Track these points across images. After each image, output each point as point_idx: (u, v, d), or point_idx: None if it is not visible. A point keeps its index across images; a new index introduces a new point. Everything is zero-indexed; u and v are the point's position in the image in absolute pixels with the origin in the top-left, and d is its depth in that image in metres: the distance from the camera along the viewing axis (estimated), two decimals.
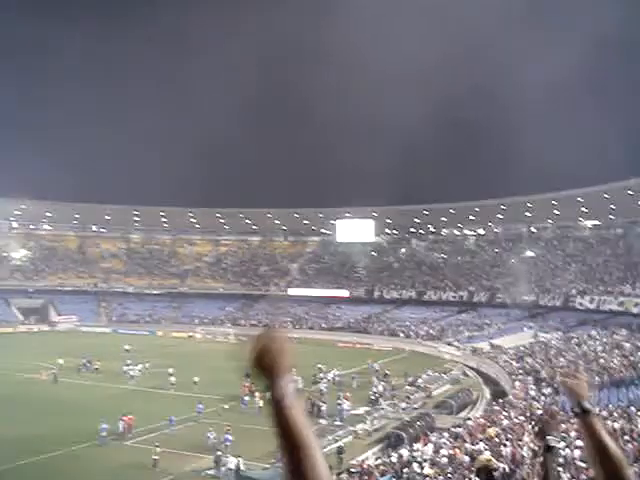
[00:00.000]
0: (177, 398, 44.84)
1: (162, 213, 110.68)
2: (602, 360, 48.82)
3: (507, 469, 23.11)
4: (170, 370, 50.08)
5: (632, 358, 48.05)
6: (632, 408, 32.38)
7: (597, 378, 42.79)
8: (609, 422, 29.25)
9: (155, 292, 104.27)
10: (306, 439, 1.83)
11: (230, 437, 32.21)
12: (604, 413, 32.10)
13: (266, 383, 1.94)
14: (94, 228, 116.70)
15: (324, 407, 40.20)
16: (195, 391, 45.55)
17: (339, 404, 40.87)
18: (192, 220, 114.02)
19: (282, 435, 1.84)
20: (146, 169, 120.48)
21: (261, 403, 36.91)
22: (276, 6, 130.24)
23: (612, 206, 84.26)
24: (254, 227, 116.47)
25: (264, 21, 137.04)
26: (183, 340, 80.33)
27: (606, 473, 2.52)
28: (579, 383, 2.85)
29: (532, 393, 42.13)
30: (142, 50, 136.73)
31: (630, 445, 24.18)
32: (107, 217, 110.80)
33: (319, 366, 53.94)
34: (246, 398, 41.99)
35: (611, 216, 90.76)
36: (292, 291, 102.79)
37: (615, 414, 31.34)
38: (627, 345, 54.49)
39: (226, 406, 40.84)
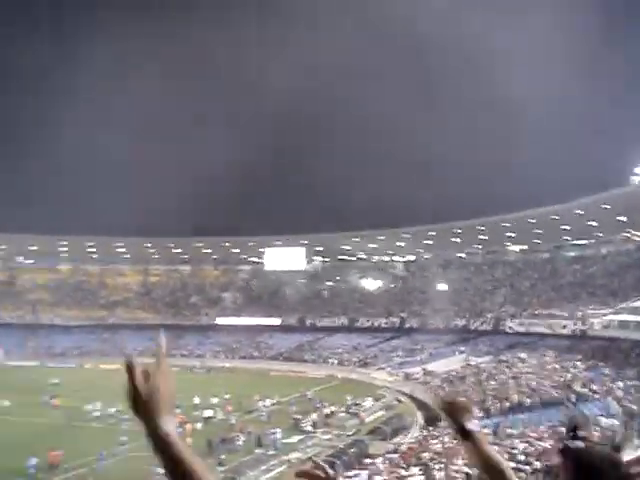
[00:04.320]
0: (105, 431, 43.46)
1: (90, 243, 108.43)
2: (532, 382, 49.37)
3: None
4: (97, 403, 48.75)
5: (561, 379, 48.73)
6: (562, 428, 32.58)
7: (528, 399, 43.22)
8: (540, 442, 29.34)
9: (84, 324, 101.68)
10: (199, 474, 1.70)
11: (158, 469, 31.26)
12: (534, 434, 32.26)
13: (147, 421, 1.77)
14: (20, 259, 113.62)
15: (273, 436, 39.62)
16: (120, 424, 44.26)
17: (273, 433, 40.32)
18: (120, 250, 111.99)
19: (172, 472, 1.71)
20: (71, 197, 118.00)
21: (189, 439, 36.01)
22: None
23: (538, 230, 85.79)
24: (184, 256, 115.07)
25: None
26: (112, 372, 78.27)
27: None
28: (458, 408, 2.89)
29: None
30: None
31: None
32: (33, 248, 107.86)
33: (256, 396, 53.28)
34: (178, 430, 40.92)
35: (537, 240, 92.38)
36: (223, 320, 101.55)
37: (545, 435, 31.50)
38: (556, 366, 55.36)
39: None
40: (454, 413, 2.87)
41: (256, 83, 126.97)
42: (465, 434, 2.80)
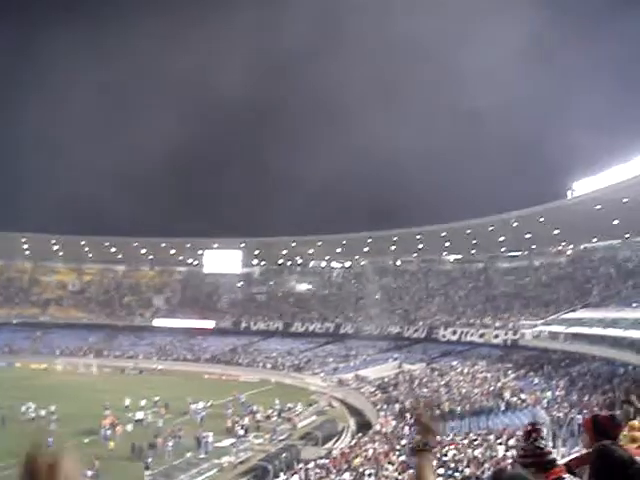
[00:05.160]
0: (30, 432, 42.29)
1: (23, 239, 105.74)
2: (463, 390, 49.85)
3: None
4: (31, 404, 47.50)
5: (491, 388, 49.32)
6: (491, 436, 32.94)
7: (459, 407, 43.59)
8: (469, 450, 29.59)
9: (14, 322, 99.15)
10: None
11: (90, 472, 30.60)
12: (465, 441, 32.52)
13: None
14: None
15: (204, 439, 39.11)
16: (48, 425, 43.17)
17: (204, 437, 39.85)
18: (55, 247, 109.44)
19: None
20: (3, 191, 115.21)
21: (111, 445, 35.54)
22: None
23: (474, 241, 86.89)
24: (119, 256, 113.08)
25: None
26: (42, 372, 76.58)
27: None
28: (432, 422, 3.17)
29: (395, 423, 42.38)
30: None
31: (489, 471, 24.39)
32: None
33: (188, 399, 52.62)
34: (108, 432, 40.34)
35: (472, 250, 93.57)
36: (157, 322, 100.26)
37: (476, 442, 31.77)
38: (487, 375, 56.04)
39: (86, 440, 38.94)
40: (429, 426, 3.12)
41: (198, 76, 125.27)
42: (420, 450, 3.02)
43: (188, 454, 36.73)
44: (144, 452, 35.70)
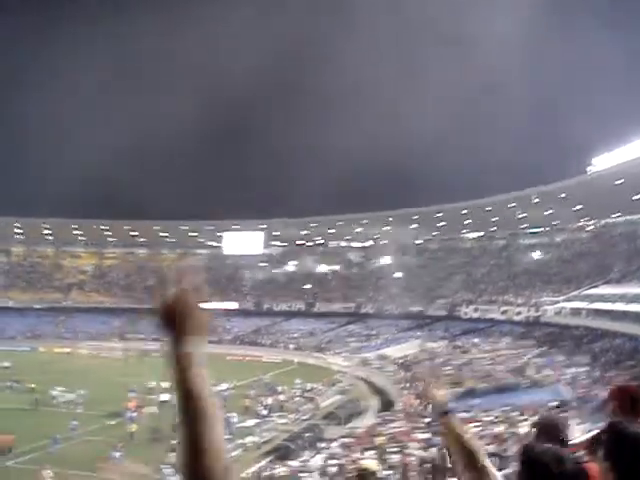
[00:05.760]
0: (57, 415, 42.85)
1: (45, 225, 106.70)
2: (486, 367, 49.93)
3: (397, 476, 23.02)
4: (60, 388, 48.05)
5: (514, 365, 49.36)
6: (514, 413, 33.04)
7: (482, 384, 43.68)
8: (492, 426, 29.70)
9: (37, 307, 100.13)
10: (209, 409, 1.66)
11: (117, 454, 30.94)
12: (488, 418, 32.63)
13: (172, 339, 1.73)
14: None
15: (228, 420, 39.46)
16: (75, 408, 43.73)
17: (228, 417, 40.13)
18: (76, 232, 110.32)
19: (184, 402, 1.66)
20: (25, 178, 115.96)
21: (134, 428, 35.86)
22: None
23: (494, 218, 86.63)
24: (140, 240, 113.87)
25: None
26: (65, 356, 77.35)
27: (463, 459, 2.87)
28: (439, 392, 3.27)
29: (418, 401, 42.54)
30: None
31: (513, 448, 24.50)
32: None
33: (211, 380, 52.79)
34: (133, 414, 40.76)
35: (493, 228, 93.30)
36: None
37: (498, 419, 31.89)
38: (510, 352, 56.09)
39: (112, 422, 39.44)
40: (435, 398, 3.23)
41: (214, 57, 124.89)
42: (444, 414, 3.09)
43: None
44: (166, 434, 35.95)
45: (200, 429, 1.59)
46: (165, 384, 50.58)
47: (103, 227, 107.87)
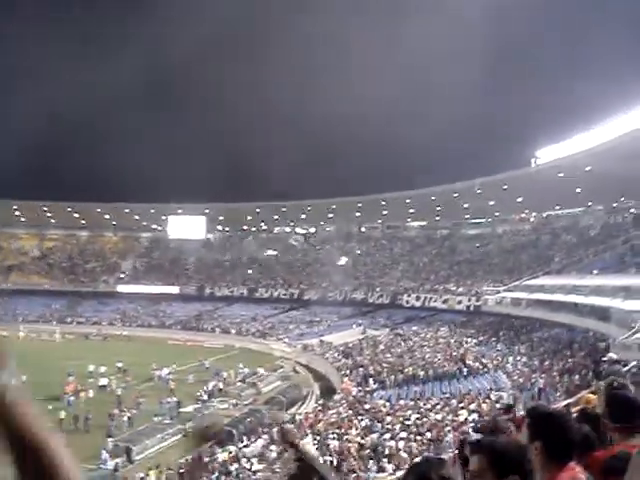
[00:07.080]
0: None
1: None
2: (427, 355, 50.36)
3: (334, 462, 23.11)
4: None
5: (454, 353, 49.88)
6: (453, 400, 33.39)
7: (422, 372, 44.05)
8: (432, 414, 29.96)
9: None
10: (41, 439, 1.38)
11: None
12: (428, 405, 32.93)
13: None
14: None
15: (169, 405, 39.14)
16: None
17: (168, 402, 39.87)
18: (16, 213, 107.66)
19: (9, 436, 1.38)
20: None
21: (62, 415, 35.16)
22: None
23: (438, 207, 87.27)
24: (82, 221, 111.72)
25: None
26: (3, 339, 75.47)
27: None
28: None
29: (359, 389, 42.74)
30: None
31: (451, 435, 24.76)
32: None
33: (153, 365, 52.41)
34: (71, 398, 40.15)
35: (437, 217, 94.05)
36: (121, 288, 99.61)
37: (438, 406, 32.20)
38: (450, 341, 56.72)
39: (50, 407, 38.69)
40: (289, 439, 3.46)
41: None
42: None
43: (155, 419, 36.80)
44: (87, 423, 35.37)
45: (39, 464, 1.33)
46: (103, 368, 50.08)
47: (44, 208, 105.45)
